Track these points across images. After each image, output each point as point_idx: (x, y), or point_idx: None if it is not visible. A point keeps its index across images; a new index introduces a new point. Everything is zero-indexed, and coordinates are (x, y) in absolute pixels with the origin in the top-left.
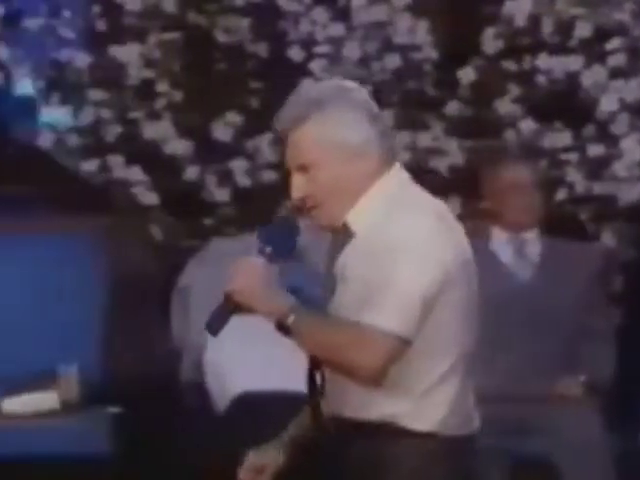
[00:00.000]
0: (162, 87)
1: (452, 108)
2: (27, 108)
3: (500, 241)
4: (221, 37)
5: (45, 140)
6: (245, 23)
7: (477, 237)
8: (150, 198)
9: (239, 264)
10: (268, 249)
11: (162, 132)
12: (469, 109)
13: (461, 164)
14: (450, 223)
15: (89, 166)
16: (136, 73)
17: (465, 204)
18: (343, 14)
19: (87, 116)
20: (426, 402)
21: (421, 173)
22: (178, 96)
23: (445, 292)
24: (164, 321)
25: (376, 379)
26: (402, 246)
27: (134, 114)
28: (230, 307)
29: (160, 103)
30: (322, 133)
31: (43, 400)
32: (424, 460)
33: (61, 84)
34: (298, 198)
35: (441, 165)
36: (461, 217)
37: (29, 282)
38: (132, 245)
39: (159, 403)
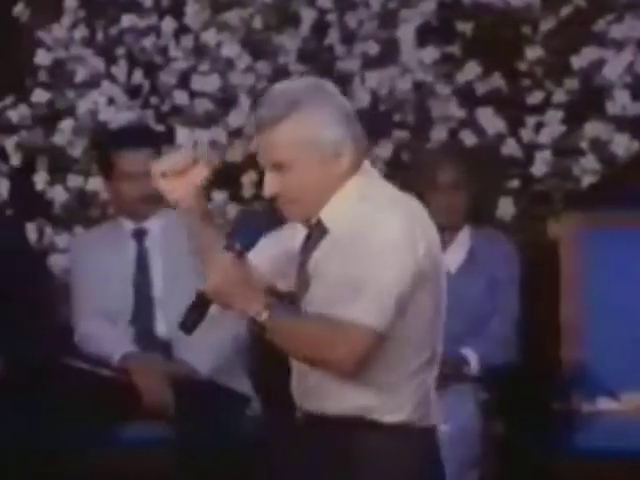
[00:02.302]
0: None
1: None
2: None
3: None
4: None
5: None
6: None
7: None
8: None
9: (212, 262)
10: (237, 245)
11: None
12: None
13: None
14: (423, 220)
15: None
16: None
17: None
18: None
19: None
20: (399, 394)
21: None
22: None
23: (419, 288)
24: None
25: (353, 373)
26: (378, 243)
27: None
28: (204, 305)
29: None
30: (299, 133)
31: None
32: (396, 452)
33: None
34: (271, 195)
35: None
36: None
37: None
38: None
39: None
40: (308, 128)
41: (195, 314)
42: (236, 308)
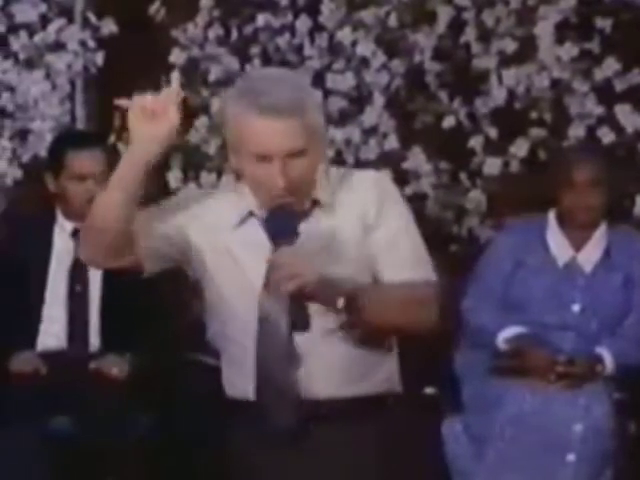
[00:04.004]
0: None
1: None
2: None
3: None
4: None
5: None
6: None
7: None
8: None
9: (288, 259)
10: (288, 239)
11: None
12: None
13: None
14: None
15: None
16: None
17: None
18: None
19: None
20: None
21: None
22: None
23: None
24: None
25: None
26: (404, 210)
27: None
28: (305, 301)
29: None
30: (312, 121)
31: None
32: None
33: None
34: (288, 184)
35: None
36: None
37: None
38: None
39: None
40: (317, 116)
41: (303, 313)
42: (331, 298)
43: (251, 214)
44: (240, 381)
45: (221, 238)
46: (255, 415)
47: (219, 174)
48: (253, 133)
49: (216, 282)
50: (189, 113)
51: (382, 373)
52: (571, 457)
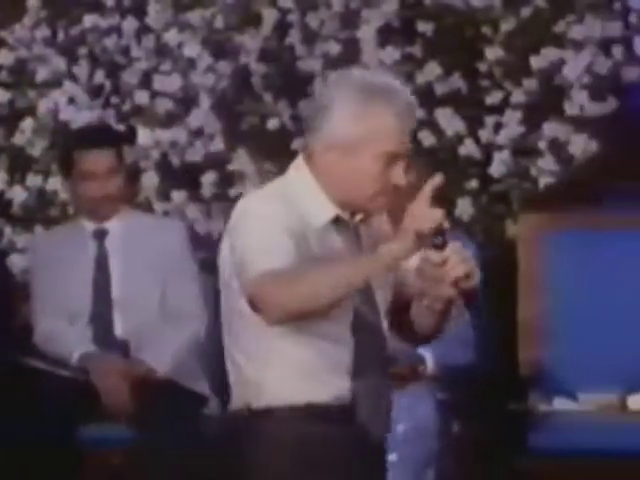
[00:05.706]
0: None
1: None
2: None
3: None
4: None
5: None
6: None
7: None
8: None
9: (462, 256)
10: (438, 240)
11: None
12: None
13: None
14: None
15: None
16: None
17: None
18: None
19: None
20: None
21: None
22: None
23: None
24: None
25: None
26: None
27: None
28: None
29: None
30: None
31: None
32: None
33: None
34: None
35: None
36: None
37: None
38: None
39: None
40: None
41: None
42: None
43: (337, 219)
44: (326, 387)
45: (305, 241)
46: (345, 420)
47: (45, 176)
48: (391, 132)
49: None
50: None
51: None
52: (393, 457)
